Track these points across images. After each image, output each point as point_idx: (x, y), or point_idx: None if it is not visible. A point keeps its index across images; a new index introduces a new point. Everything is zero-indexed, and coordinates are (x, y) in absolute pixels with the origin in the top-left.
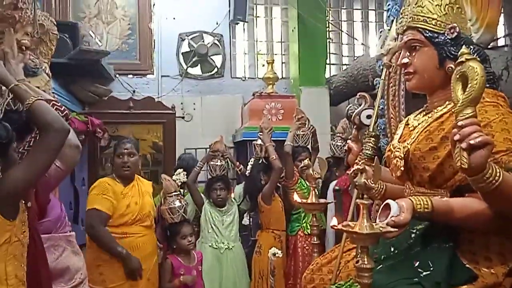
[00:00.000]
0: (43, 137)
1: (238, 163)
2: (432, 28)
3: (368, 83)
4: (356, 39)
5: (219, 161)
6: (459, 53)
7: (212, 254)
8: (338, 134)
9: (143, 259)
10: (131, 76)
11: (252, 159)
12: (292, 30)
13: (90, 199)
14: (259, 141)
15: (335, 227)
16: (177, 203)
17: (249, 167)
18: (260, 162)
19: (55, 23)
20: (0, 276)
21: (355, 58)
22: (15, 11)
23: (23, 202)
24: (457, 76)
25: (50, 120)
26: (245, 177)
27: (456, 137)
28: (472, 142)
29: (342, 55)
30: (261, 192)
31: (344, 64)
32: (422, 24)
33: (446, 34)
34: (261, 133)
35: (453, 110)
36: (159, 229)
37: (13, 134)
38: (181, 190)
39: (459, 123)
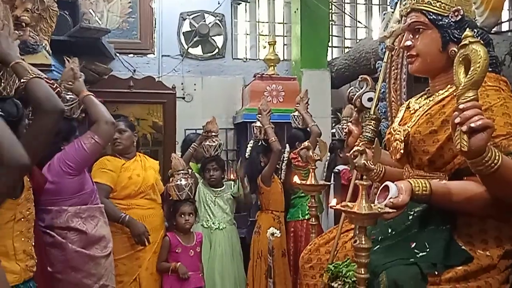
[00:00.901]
0: (36, 116)
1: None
2: (436, 10)
3: (370, 66)
4: (359, 22)
5: (212, 141)
6: (463, 35)
7: (203, 233)
8: (344, 118)
9: (150, 231)
10: (131, 55)
11: (252, 141)
12: (295, 12)
13: (92, 174)
14: (258, 123)
15: (334, 207)
16: (183, 181)
17: (248, 149)
18: (259, 144)
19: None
20: (9, 252)
21: (358, 41)
22: None
23: (28, 179)
24: (460, 59)
25: (43, 99)
26: (245, 158)
27: (457, 120)
28: (472, 125)
29: (345, 38)
30: (260, 174)
31: (346, 47)
32: (426, 6)
33: (450, 17)
34: (260, 115)
35: (454, 94)
36: (166, 206)
37: (24, 112)
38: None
39: (460, 106)
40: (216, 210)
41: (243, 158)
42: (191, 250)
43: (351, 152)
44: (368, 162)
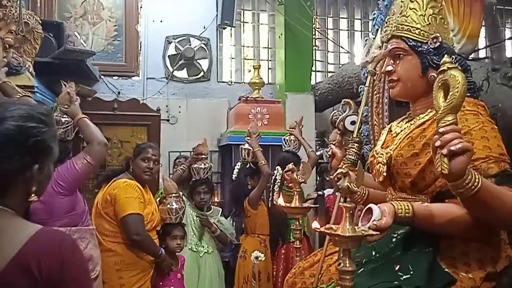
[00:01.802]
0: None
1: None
2: (416, 37)
3: (353, 90)
4: (342, 47)
5: (203, 164)
6: (441, 61)
7: (191, 257)
8: (331, 142)
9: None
10: (116, 77)
11: (239, 163)
12: (279, 37)
13: (127, 202)
14: (246, 145)
15: (318, 229)
16: (176, 205)
17: (235, 171)
18: (247, 166)
19: (40, 21)
20: None
21: (341, 65)
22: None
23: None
24: (439, 84)
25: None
26: (232, 181)
27: (437, 143)
28: (452, 148)
29: (328, 63)
30: (247, 197)
31: (329, 72)
32: (406, 33)
33: (429, 44)
34: (248, 138)
35: (434, 118)
36: None
37: None
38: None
39: (440, 130)
40: (205, 234)
41: (229, 180)
42: (178, 274)
43: (334, 175)
44: (352, 184)
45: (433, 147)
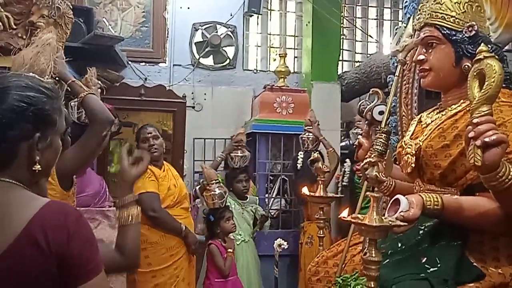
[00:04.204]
0: (91, 126)
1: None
2: (450, 25)
3: (380, 80)
4: (370, 36)
5: (241, 152)
6: (477, 50)
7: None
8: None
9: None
10: (143, 63)
11: (301, 153)
12: (306, 25)
13: (136, 184)
14: (307, 134)
15: (345, 219)
16: (220, 190)
17: (299, 160)
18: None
19: (71, 7)
20: None
21: (368, 55)
22: None
23: (74, 176)
24: (474, 74)
25: (97, 111)
26: (295, 170)
27: (471, 134)
28: (487, 139)
29: (355, 52)
30: (313, 184)
31: (356, 61)
32: (440, 21)
33: (464, 32)
34: (309, 127)
35: (467, 108)
36: (191, 214)
37: (68, 118)
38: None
39: (474, 120)
40: (242, 222)
41: (293, 169)
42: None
43: (362, 164)
44: (380, 174)
45: (466, 138)
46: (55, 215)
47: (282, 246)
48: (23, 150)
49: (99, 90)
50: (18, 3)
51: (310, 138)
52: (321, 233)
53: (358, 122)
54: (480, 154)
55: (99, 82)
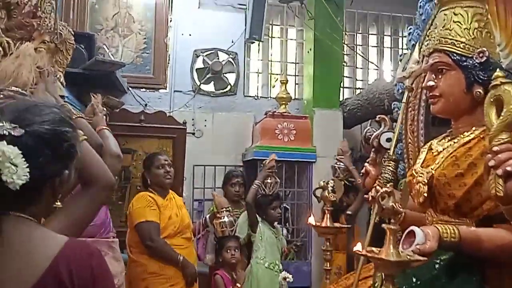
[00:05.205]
0: (87, 188)
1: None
2: (460, 51)
3: (383, 107)
4: (373, 63)
5: (274, 178)
6: (494, 76)
7: (268, 274)
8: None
9: None
10: (143, 89)
11: (332, 181)
12: (308, 52)
13: (136, 212)
14: (338, 164)
15: (359, 252)
16: (228, 218)
17: (330, 189)
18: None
19: (72, 33)
20: None
21: (372, 82)
22: (34, 19)
23: None
24: (491, 100)
25: (88, 135)
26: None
27: (491, 163)
28: (508, 168)
29: (356, 79)
30: (342, 213)
31: (357, 88)
32: (450, 47)
33: (474, 58)
34: (341, 156)
35: (481, 136)
36: (200, 244)
37: None
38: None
39: (494, 148)
40: (276, 251)
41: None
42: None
43: (379, 194)
44: (397, 204)
45: (486, 167)
46: (79, 254)
47: (287, 279)
48: (48, 188)
49: (104, 116)
50: (20, 29)
51: (342, 168)
52: (328, 265)
53: (340, 156)
54: (502, 184)
55: (104, 109)
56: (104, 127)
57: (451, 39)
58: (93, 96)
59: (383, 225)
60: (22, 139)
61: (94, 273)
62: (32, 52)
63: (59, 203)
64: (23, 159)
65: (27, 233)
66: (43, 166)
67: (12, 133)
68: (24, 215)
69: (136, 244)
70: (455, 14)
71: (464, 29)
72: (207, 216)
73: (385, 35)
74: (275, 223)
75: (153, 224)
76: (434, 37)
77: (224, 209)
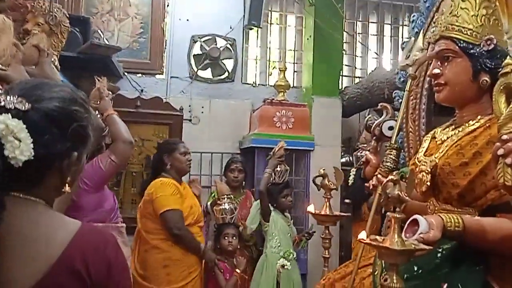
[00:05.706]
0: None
1: None
2: (467, 38)
3: (383, 96)
4: (373, 51)
5: (285, 166)
6: (503, 63)
7: (282, 263)
8: (360, 146)
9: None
10: (139, 75)
11: (354, 170)
12: (307, 39)
13: (163, 199)
14: (361, 153)
15: (363, 241)
16: (229, 205)
17: (351, 177)
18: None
19: (67, 15)
20: None
21: (372, 71)
22: (27, 0)
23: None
24: (501, 87)
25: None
26: (347, 186)
27: (500, 152)
28: None
29: (355, 67)
30: (366, 201)
31: (356, 77)
32: (457, 34)
33: (482, 46)
34: (364, 145)
35: (487, 125)
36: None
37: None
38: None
39: (503, 137)
40: (289, 239)
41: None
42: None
43: (384, 182)
44: (402, 193)
45: (494, 156)
46: (95, 241)
47: (286, 266)
48: (56, 169)
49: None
50: (13, 10)
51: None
52: (326, 253)
53: (363, 145)
54: (511, 173)
55: (110, 92)
56: (113, 112)
57: (458, 26)
58: (98, 80)
59: (389, 213)
60: (28, 114)
61: (110, 261)
62: (8, 26)
63: (67, 188)
64: (28, 134)
65: (34, 216)
66: (48, 145)
67: (18, 107)
68: (29, 197)
69: (158, 231)
70: (462, 1)
71: (472, 16)
72: (208, 203)
73: (385, 24)
74: (286, 212)
75: (179, 212)
76: (440, 24)
77: (226, 196)
